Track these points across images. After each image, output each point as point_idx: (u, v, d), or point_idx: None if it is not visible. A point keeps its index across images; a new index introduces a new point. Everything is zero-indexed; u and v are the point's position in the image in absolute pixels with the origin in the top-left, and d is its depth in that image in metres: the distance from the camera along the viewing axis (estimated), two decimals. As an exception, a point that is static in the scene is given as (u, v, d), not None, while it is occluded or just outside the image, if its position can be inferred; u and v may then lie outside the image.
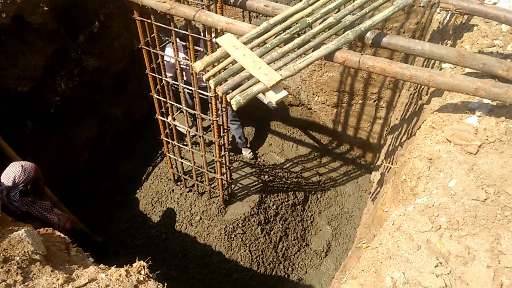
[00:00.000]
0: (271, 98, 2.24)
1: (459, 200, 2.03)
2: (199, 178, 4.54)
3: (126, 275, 1.84)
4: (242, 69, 2.33)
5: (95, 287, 1.77)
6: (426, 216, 2.01)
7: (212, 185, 4.50)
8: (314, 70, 5.09)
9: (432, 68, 3.49)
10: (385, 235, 2.10)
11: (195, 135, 5.04)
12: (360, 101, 5.23)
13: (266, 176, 5.05)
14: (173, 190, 4.77)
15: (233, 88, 2.29)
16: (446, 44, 3.28)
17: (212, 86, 2.28)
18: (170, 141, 4.17)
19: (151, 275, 1.91)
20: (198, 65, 2.38)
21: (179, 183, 4.77)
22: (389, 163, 3.86)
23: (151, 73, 3.55)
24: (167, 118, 3.91)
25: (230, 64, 2.39)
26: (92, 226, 4.81)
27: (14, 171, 2.95)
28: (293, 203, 5.04)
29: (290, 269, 4.72)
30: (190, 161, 4.27)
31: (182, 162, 4.35)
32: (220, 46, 2.45)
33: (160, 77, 3.54)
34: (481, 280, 1.69)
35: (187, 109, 3.63)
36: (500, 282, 1.67)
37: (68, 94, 4.70)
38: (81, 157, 5.34)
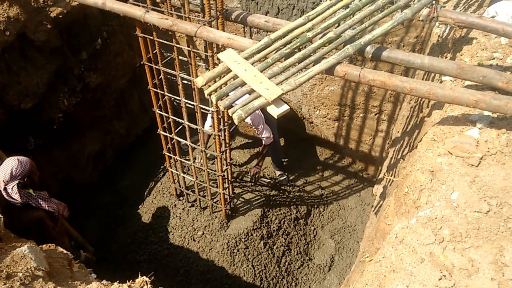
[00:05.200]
0: (273, 112, 2.26)
1: (462, 212, 2.03)
2: (201, 193, 4.54)
3: (128, 291, 1.83)
4: (243, 83, 2.35)
5: (99, 302, 1.77)
6: (429, 228, 2.00)
7: (215, 200, 4.49)
8: (315, 84, 5.12)
9: (432, 81, 3.51)
10: (388, 248, 2.09)
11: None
12: (361, 115, 5.24)
13: (269, 190, 5.05)
14: (175, 205, 4.77)
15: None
16: (446, 57, 3.30)
17: (214, 101, 2.30)
18: (172, 156, 4.18)
19: (153, 290, 1.90)
20: (200, 80, 2.40)
21: (181, 198, 4.77)
22: (391, 176, 3.86)
23: (153, 89, 3.58)
24: (169, 133, 3.93)
25: (232, 79, 2.41)
26: (93, 241, 4.81)
27: (11, 165, 3.13)
28: (296, 217, 5.03)
29: (293, 284, 4.69)
30: (192, 175, 4.27)
31: (184, 177, 4.36)
32: (222, 62, 2.48)
33: (162, 92, 3.57)
34: (486, 292, 1.68)
35: (189, 123, 3.65)
36: (504, 295, 1.66)
37: (70, 110, 4.74)
38: (84, 171, 5.36)
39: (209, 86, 2.43)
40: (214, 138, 3.55)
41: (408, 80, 2.30)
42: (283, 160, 5.66)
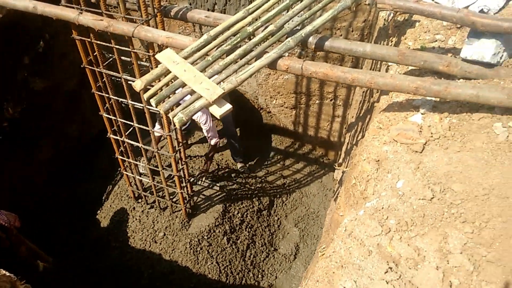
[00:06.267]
0: (215, 113, 2.20)
1: (407, 200, 2.04)
2: (160, 194, 4.45)
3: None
4: (184, 84, 2.27)
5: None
6: (376, 219, 2.00)
7: (174, 199, 4.41)
8: (270, 73, 5.08)
9: (381, 68, 3.53)
10: (338, 242, 2.08)
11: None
12: (317, 101, 5.24)
13: (229, 185, 4.99)
14: (134, 208, 4.66)
15: (176, 105, 2.24)
16: (391, 41, 3.31)
17: (154, 105, 2.21)
18: (126, 159, 4.06)
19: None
20: (138, 84, 2.31)
21: (139, 200, 4.66)
22: (346, 162, 3.88)
23: (97, 92, 3.44)
24: (119, 136, 3.80)
25: (172, 81, 2.33)
26: (54, 252, 4.65)
27: None
28: (259, 208, 5.01)
29: (259, 276, 4.69)
30: (148, 177, 4.17)
31: (140, 180, 4.25)
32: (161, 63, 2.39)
33: (107, 95, 3.44)
34: (431, 282, 1.69)
35: (139, 125, 3.54)
36: (449, 283, 1.67)
37: (17, 118, 4.53)
38: (38, 180, 5.16)
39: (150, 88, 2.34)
40: (166, 139, 3.46)
41: (350, 71, 2.28)
42: (242, 151, 5.60)
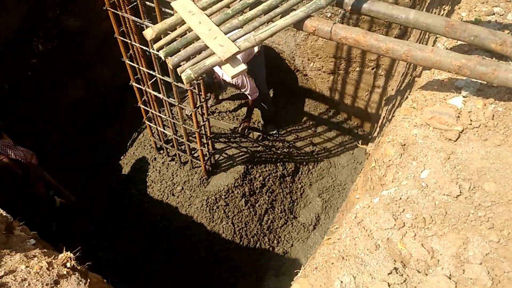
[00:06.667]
0: (227, 72, 1.99)
1: (430, 194, 1.80)
2: (181, 148, 4.35)
3: (47, 268, 1.67)
4: (197, 38, 2.07)
5: (11, 280, 1.61)
6: (390, 211, 1.78)
7: (195, 155, 4.30)
8: (309, 34, 4.75)
9: (428, 40, 3.17)
10: (345, 229, 1.89)
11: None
12: (357, 69, 4.90)
13: (254, 147, 4.83)
14: (155, 159, 4.59)
15: (186, 60, 2.05)
16: (444, 11, 2.95)
17: (163, 57, 2.03)
18: (148, 109, 3.95)
19: (78, 268, 1.74)
20: (149, 33, 2.12)
21: (161, 152, 4.58)
22: (378, 140, 3.61)
23: (120, 37, 3.28)
24: (142, 86, 3.67)
25: (187, 33, 2.13)
26: (77, 191, 4.71)
27: None
28: (282, 174, 4.84)
29: (275, 241, 4.59)
30: (172, 129, 4.07)
31: (162, 131, 4.15)
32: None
33: (130, 42, 3.28)
34: (439, 293, 1.48)
35: (161, 76, 3.38)
36: (460, 297, 1.46)
37: (47, 56, 4.48)
38: (67, 120, 5.17)
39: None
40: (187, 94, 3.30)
41: (385, 40, 2.00)
42: (273, 113, 5.39)
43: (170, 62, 1.99)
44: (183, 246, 4.30)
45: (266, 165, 4.73)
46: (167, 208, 4.40)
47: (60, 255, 1.73)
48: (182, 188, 4.37)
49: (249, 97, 4.60)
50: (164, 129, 4.18)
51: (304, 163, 5.16)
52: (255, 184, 4.56)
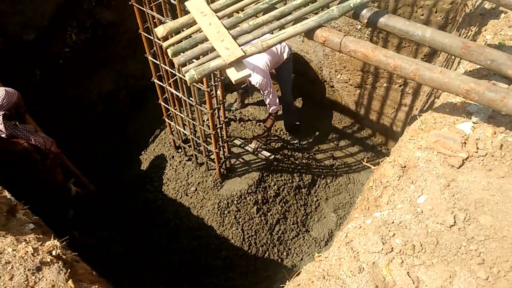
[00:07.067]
0: (231, 76, 1.98)
1: (424, 221, 1.72)
2: (198, 149, 4.36)
3: (32, 254, 1.70)
4: (206, 39, 2.07)
5: (-5, 263, 1.65)
6: (380, 234, 1.71)
7: (211, 157, 4.31)
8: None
9: (453, 63, 3.06)
10: (334, 248, 1.84)
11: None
12: (384, 84, 4.79)
13: (271, 154, 4.79)
14: (173, 157, 4.63)
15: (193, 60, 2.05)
16: (470, 32, 2.84)
17: (170, 55, 2.04)
18: (168, 107, 3.99)
19: (64, 257, 1.76)
20: (160, 30, 2.14)
21: (179, 151, 4.62)
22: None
23: (144, 33, 3.33)
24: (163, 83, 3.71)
25: (198, 33, 2.13)
26: (95, 182, 4.82)
27: None
28: (298, 185, 4.77)
29: (284, 253, 4.52)
30: (189, 129, 4.09)
31: (180, 130, 4.18)
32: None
33: (153, 38, 3.32)
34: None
35: (182, 76, 3.41)
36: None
37: (79, 46, 4.61)
38: (93, 110, 5.30)
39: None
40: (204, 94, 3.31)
41: (394, 56, 1.93)
42: (296, 122, 5.34)
43: (176, 61, 2.00)
44: (191, 247, 4.30)
45: (282, 174, 4.68)
46: (179, 207, 4.42)
47: (47, 243, 1.76)
48: (196, 189, 4.38)
49: (268, 108, 4.54)
50: (184, 128, 4.21)
51: (322, 176, 5.08)
52: (269, 192, 4.52)
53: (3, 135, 3.16)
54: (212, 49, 2.02)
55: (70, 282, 1.62)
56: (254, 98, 5.79)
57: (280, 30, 2.11)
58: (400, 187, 1.86)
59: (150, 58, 3.52)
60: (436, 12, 3.79)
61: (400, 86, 4.68)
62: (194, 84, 3.32)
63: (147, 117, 5.55)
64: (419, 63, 1.89)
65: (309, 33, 2.09)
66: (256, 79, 4.27)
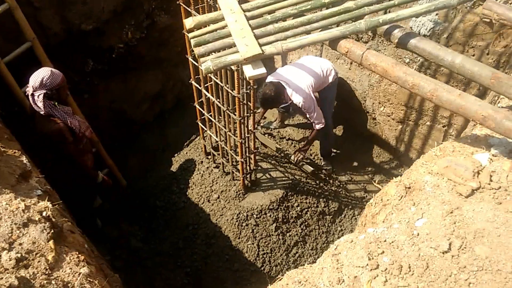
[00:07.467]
0: (246, 72, 1.99)
1: (418, 243, 1.63)
2: (227, 158, 4.39)
3: (23, 210, 1.76)
4: (229, 35, 2.11)
5: (-13, 211, 1.72)
6: (367, 250, 1.63)
7: (237, 166, 4.31)
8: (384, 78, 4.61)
9: (497, 99, 2.92)
10: (321, 258, 1.77)
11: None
12: (428, 123, 4.63)
13: (300, 174, 4.72)
14: (202, 162, 4.68)
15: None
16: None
17: (192, 45, 2.10)
18: (202, 110, 4.06)
19: (53, 219, 1.81)
20: (188, 22, 2.21)
21: (209, 157, 4.67)
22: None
23: (187, 33, 3.44)
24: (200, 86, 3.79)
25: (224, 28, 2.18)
26: (126, 176, 4.96)
27: (43, 73, 3.21)
28: (323, 211, 4.66)
29: (298, 277, 4.39)
30: (220, 136, 4.14)
31: (210, 136, 4.23)
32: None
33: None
34: None
35: (215, 79, 3.47)
36: None
37: (133, 44, 4.83)
38: (138, 108, 5.49)
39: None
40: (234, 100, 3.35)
41: (413, 73, 1.88)
42: (332, 150, 5.26)
43: (197, 51, 2.04)
44: (205, 254, 4.29)
45: (307, 197, 4.59)
46: (200, 213, 4.44)
47: (40, 203, 1.81)
48: (218, 197, 4.39)
49: (314, 125, 4.53)
50: (216, 135, 4.26)
51: (350, 207, 4.93)
52: (291, 212, 4.44)
53: (42, 112, 3.32)
54: (233, 45, 2.05)
55: (51, 242, 1.66)
56: (295, 120, 5.78)
57: (302, 35, 2.11)
58: (399, 207, 1.77)
59: (190, 59, 3.62)
60: (488, 54, 3.65)
61: (444, 126, 4.51)
62: (226, 89, 3.38)
63: (188, 122, 5.67)
64: (438, 84, 1.82)
65: (333, 43, 2.08)
66: (297, 100, 4.31)
